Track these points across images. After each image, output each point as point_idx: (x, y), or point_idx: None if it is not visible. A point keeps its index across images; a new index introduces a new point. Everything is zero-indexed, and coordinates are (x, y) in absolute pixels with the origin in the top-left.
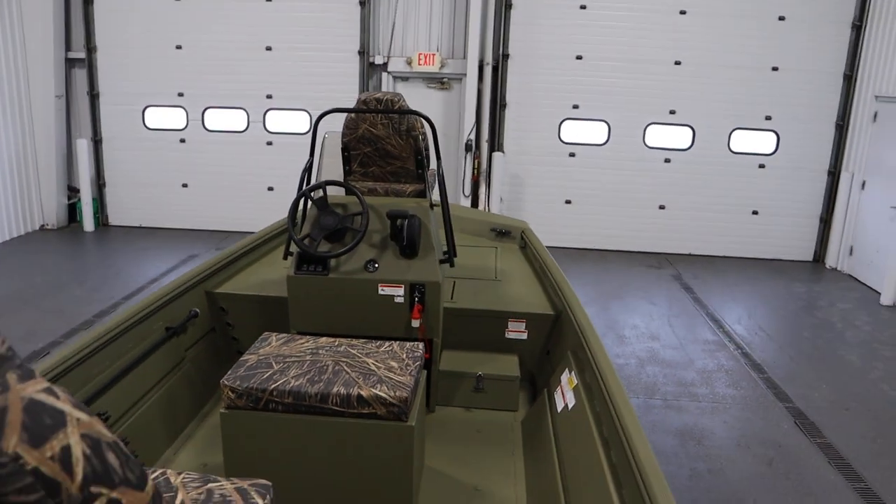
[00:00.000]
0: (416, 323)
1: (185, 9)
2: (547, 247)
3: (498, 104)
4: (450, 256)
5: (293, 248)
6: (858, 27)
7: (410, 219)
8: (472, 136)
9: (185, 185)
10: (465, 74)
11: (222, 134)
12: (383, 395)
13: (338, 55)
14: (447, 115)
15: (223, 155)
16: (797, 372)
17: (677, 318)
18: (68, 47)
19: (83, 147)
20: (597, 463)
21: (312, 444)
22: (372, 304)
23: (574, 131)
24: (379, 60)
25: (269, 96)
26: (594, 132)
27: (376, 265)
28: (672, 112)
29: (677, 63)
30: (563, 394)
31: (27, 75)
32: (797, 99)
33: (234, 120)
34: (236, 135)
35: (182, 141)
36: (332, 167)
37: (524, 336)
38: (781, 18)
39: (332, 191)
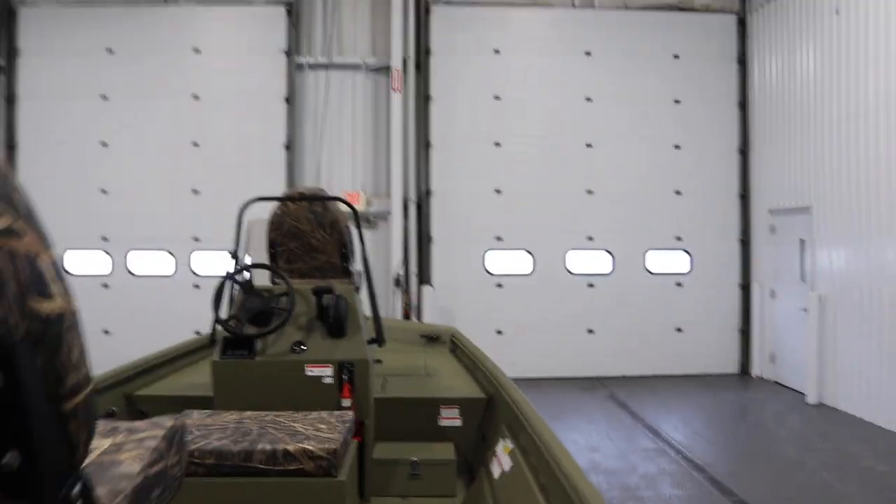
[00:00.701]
0: (346, 402)
1: (111, 155)
2: None
3: (423, 239)
4: (379, 337)
5: (218, 334)
6: (744, 152)
7: (337, 298)
8: (402, 272)
9: (106, 332)
10: (390, 212)
11: (147, 279)
12: (311, 448)
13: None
14: (375, 253)
15: (148, 300)
16: (738, 469)
17: (616, 432)
18: None
19: None
20: None
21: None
22: (300, 386)
23: (499, 262)
24: None
25: (195, 238)
26: (519, 262)
27: (303, 346)
28: (590, 238)
29: (589, 192)
30: (499, 462)
31: None
32: (702, 219)
33: (160, 263)
34: (163, 279)
35: (105, 286)
36: (257, 256)
37: (458, 422)
38: (677, 147)
39: (259, 281)
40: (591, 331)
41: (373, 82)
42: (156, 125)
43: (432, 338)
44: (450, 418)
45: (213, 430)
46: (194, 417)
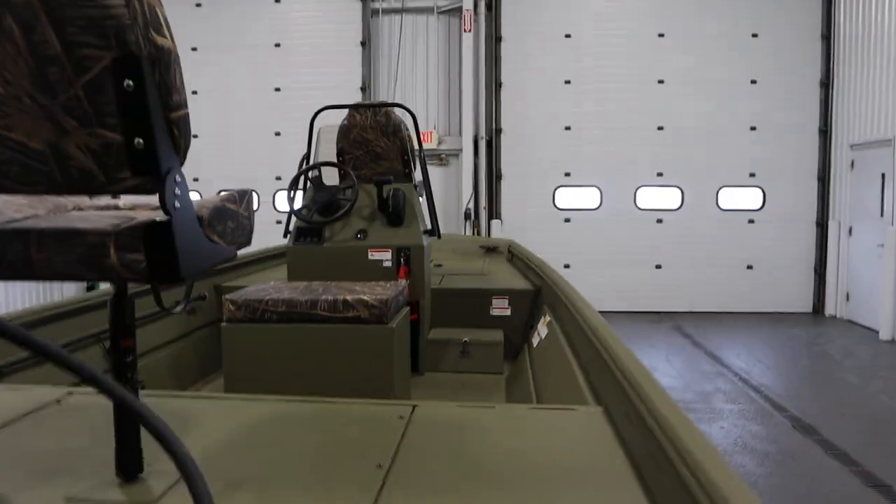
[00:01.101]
0: (403, 282)
1: (201, 102)
2: None
3: (494, 175)
4: (435, 230)
5: (293, 224)
6: (826, 84)
7: (395, 192)
8: (471, 206)
9: None
10: (461, 150)
11: None
12: (366, 298)
13: None
14: (447, 189)
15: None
16: (795, 390)
17: (676, 356)
18: None
19: None
20: (570, 374)
21: (304, 350)
22: (363, 269)
23: (568, 197)
24: None
25: (278, 178)
26: (587, 197)
27: (366, 234)
28: (659, 174)
29: (660, 128)
30: (538, 334)
31: None
32: (778, 155)
33: None
34: None
35: None
36: (327, 157)
37: (508, 312)
38: (753, 82)
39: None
40: (658, 266)
41: (445, 24)
42: (241, 73)
43: (490, 248)
44: (500, 308)
45: (286, 288)
46: (272, 283)
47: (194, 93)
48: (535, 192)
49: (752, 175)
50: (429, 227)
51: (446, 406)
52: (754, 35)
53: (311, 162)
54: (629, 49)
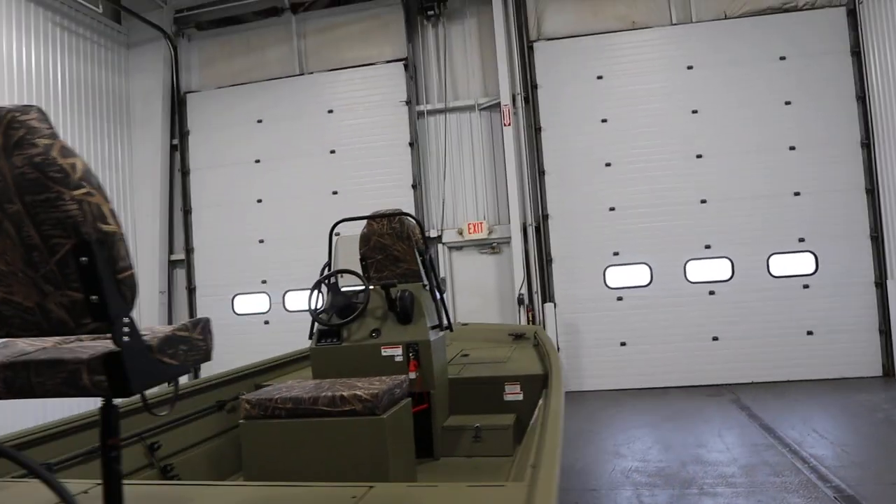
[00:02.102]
0: (413, 375)
1: (266, 210)
2: (607, 389)
3: (545, 260)
4: (448, 324)
5: (316, 326)
6: (867, 145)
7: (403, 293)
8: (524, 291)
9: None
10: (511, 237)
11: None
12: (360, 393)
13: None
14: (500, 276)
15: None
16: (846, 461)
17: (729, 430)
18: (171, 250)
19: None
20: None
21: (308, 441)
22: (377, 365)
23: (618, 276)
24: (433, 234)
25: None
26: (637, 275)
27: (379, 332)
28: (707, 246)
29: (703, 202)
30: (535, 417)
31: (138, 275)
32: (826, 218)
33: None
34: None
35: (266, 323)
36: (346, 265)
37: (520, 397)
38: (792, 148)
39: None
40: (715, 338)
41: (487, 120)
42: (300, 180)
43: (518, 335)
44: (513, 393)
45: (296, 388)
46: (290, 382)
47: (259, 201)
48: (585, 273)
49: (802, 240)
50: (440, 322)
51: (399, 486)
52: (787, 102)
53: (332, 269)
54: (664, 127)
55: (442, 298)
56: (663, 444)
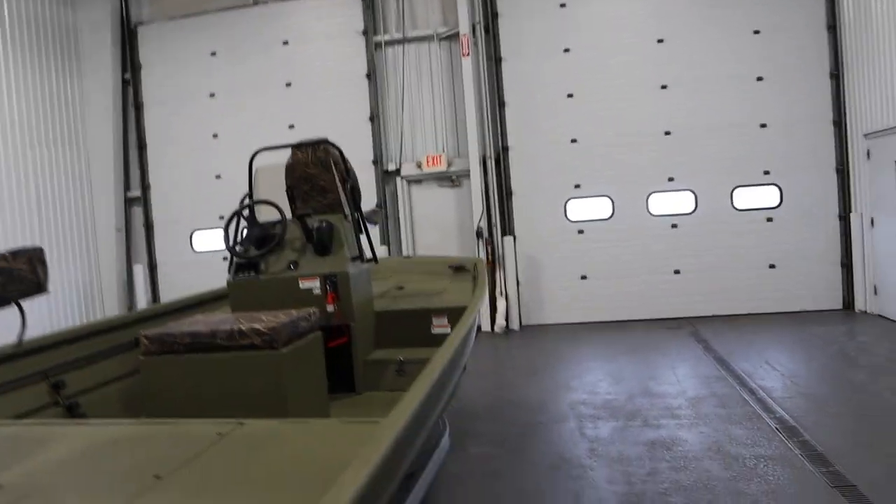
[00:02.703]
0: (330, 308)
1: (222, 145)
2: (566, 323)
3: (504, 193)
4: (374, 256)
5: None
6: (836, 75)
7: (322, 223)
8: (483, 224)
9: None
10: (470, 170)
11: None
12: (258, 327)
13: (354, 166)
14: (460, 209)
15: None
16: (795, 392)
17: (683, 363)
18: (127, 187)
19: (139, 271)
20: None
21: (207, 377)
22: (296, 298)
23: (579, 209)
24: (391, 167)
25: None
26: (599, 208)
27: (297, 265)
28: (671, 179)
29: (667, 133)
30: None
31: (93, 213)
32: (792, 151)
33: None
34: None
35: (225, 259)
36: (272, 196)
37: (448, 330)
38: (759, 79)
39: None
40: (677, 271)
41: (447, 50)
42: (256, 114)
43: (458, 268)
44: (440, 326)
45: (198, 322)
46: (197, 317)
47: (215, 136)
48: (546, 206)
49: (767, 173)
50: (360, 253)
51: (270, 423)
52: (756, 32)
53: (253, 200)
54: (629, 58)
55: (364, 229)
56: (615, 378)
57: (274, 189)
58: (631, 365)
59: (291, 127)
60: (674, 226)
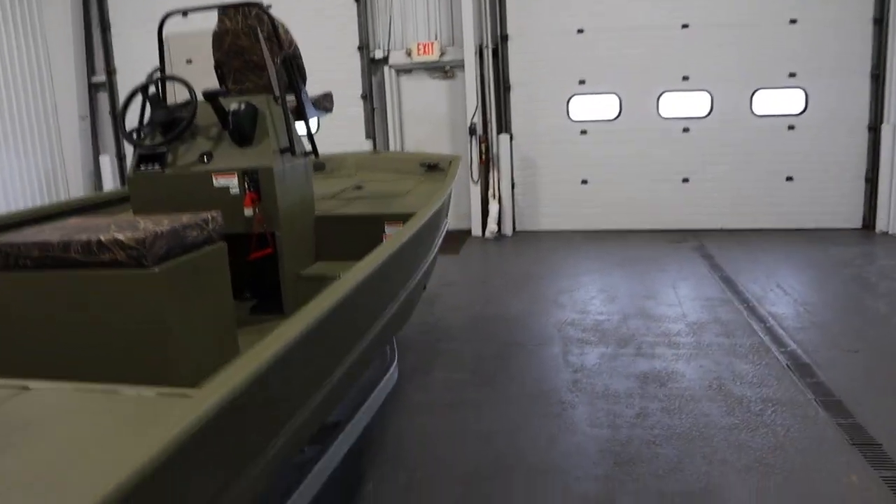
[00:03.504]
0: (248, 212)
1: (192, 25)
2: (562, 230)
3: (502, 86)
4: (314, 149)
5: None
6: None
7: (241, 105)
8: (477, 120)
9: None
10: (465, 60)
11: None
12: (121, 237)
13: (338, 53)
14: (454, 103)
15: None
16: (805, 321)
17: (684, 281)
18: (91, 72)
19: (106, 163)
20: None
21: (57, 303)
22: (209, 198)
23: (584, 107)
24: (379, 55)
25: None
26: (605, 106)
27: (211, 156)
28: (685, 78)
29: (685, 26)
30: None
31: (54, 100)
32: (823, 51)
33: None
34: None
35: None
36: (180, 71)
37: None
38: None
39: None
40: (685, 180)
41: None
42: None
43: (432, 165)
44: None
45: (52, 230)
46: (61, 224)
47: (184, 15)
48: (547, 102)
49: (793, 75)
50: (292, 145)
51: (62, 389)
52: None
53: (154, 75)
54: None
55: (305, 117)
56: (609, 295)
57: (201, 63)
58: (628, 281)
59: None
60: (685, 130)
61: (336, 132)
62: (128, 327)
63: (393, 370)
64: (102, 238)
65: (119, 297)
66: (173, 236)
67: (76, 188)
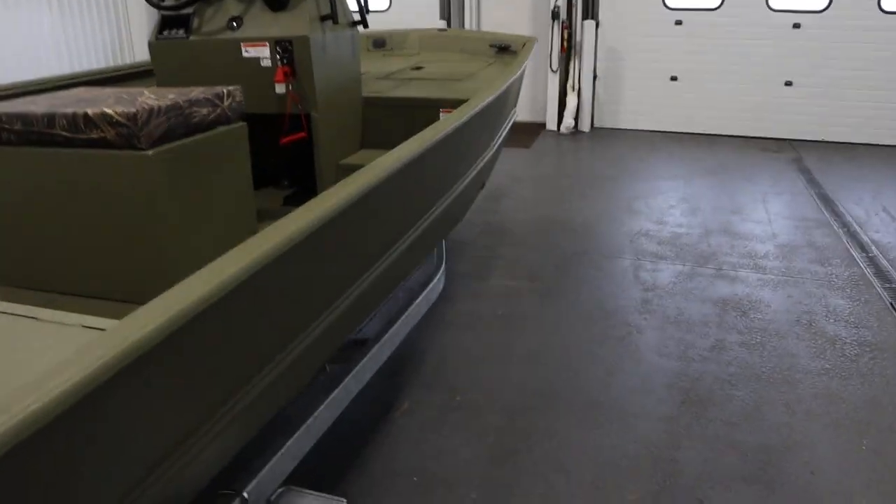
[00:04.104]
0: (280, 88)
1: None
2: (645, 130)
3: None
4: (363, 18)
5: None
6: None
7: None
8: (561, 3)
9: None
10: None
11: None
12: (111, 112)
13: None
14: None
15: None
16: None
17: (778, 196)
18: None
19: None
20: None
21: (42, 186)
22: (238, 71)
23: None
24: None
25: None
26: None
27: (241, 22)
28: None
29: None
30: None
31: None
32: None
33: None
34: None
35: None
36: None
37: None
38: None
39: None
40: (789, 83)
41: None
42: None
43: (502, 47)
44: None
45: (40, 101)
46: (67, 93)
47: None
48: None
49: None
50: (334, 12)
51: None
52: None
53: None
54: None
55: None
56: (691, 205)
57: None
58: (713, 191)
59: None
60: (796, 25)
61: (408, 11)
62: (117, 221)
63: (438, 279)
64: (90, 112)
65: (106, 184)
66: (175, 113)
67: (142, 56)
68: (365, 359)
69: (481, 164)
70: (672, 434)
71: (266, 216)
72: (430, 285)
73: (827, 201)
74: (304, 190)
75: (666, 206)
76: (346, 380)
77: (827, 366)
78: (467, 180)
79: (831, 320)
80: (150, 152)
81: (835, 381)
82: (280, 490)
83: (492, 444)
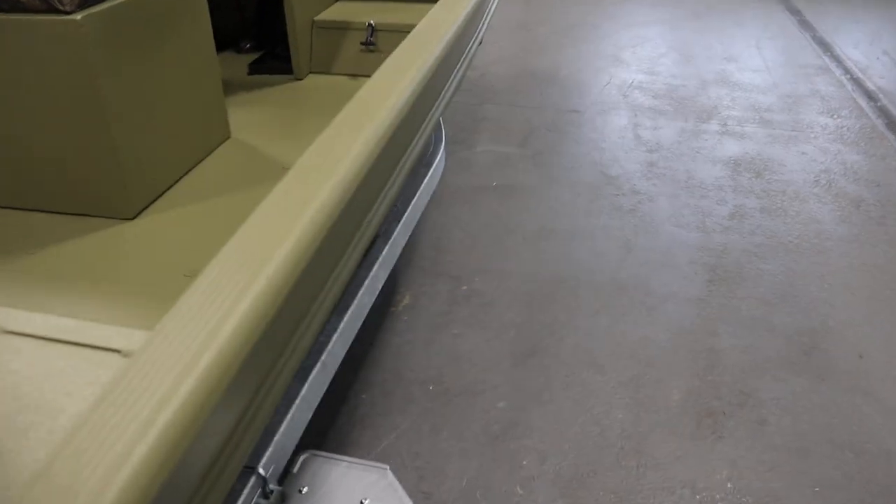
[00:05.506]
0: None
1: None
2: None
3: None
4: None
5: None
6: None
7: None
8: None
9: None
10: None
11: None
12: None
13: None
14: None
15: None
16: None
17: (771, 41)
18: None
19: None
20: None
21: None
22: None
23: None
24: None
25: None
26: None
27: None
28: None
29: None
30: None
31: None
32: None
33: None
34: None
35: None
36: None
37: None
38: None
39: None
40: None
41: None
42: None
43: None
44: None
45: None
46: None
47: None
48: None
49: None
50: None
51: None
52: None
53: None
54: None
55: None
56: (682, 53)
57: None
58: (702, 36)
59: None
60: None
61: None
62: (50, 102)
63: (439, 160)
64: None
65: (30, 57)
66: None
67: None
68: (376, 266)
69: (483, 27)
70: (705, 319)
71: (231, 89)
72: (433, 167)
73: (824, 45)
74: (273, 53)
75: (656, 56)
76: (360, 294)
77: (855, 231)
78: (470, 54)
79: (850, 179)
80: (77, 16)
81: (865, 248)
82: (303, 457)
83: (512, 340)
